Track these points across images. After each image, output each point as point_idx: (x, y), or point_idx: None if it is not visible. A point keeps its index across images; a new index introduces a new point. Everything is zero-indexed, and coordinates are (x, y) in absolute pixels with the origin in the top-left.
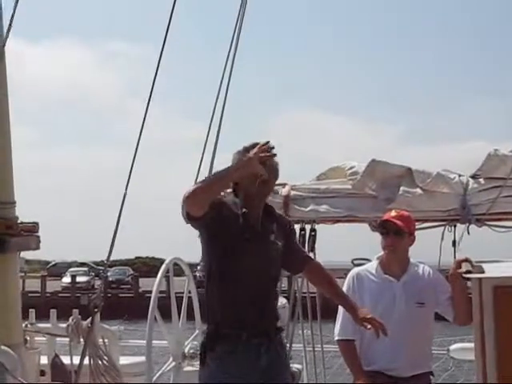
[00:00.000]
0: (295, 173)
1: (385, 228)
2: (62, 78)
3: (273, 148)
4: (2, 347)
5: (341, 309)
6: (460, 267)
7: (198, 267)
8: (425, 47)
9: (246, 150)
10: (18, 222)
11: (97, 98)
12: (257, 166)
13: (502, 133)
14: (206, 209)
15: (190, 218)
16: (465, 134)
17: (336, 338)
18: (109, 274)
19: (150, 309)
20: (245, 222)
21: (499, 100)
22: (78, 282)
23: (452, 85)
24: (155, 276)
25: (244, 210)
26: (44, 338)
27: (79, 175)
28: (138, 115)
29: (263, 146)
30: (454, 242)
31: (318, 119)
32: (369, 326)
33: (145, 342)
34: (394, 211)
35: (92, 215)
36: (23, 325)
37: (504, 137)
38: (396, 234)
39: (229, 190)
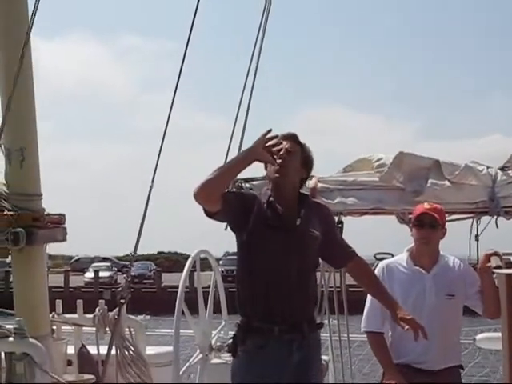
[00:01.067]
0: (317, 167)
1: (420, 220)
2: (75, 72)
3: (276, 136)
4: (30, 340)
5: (368, 300)
6: (489, 261)
7: (221, 262)
8: (437, 46)
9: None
10: (45, 213)
11: (109, 93)
12: (261, 154)
13: None
14: (221, 202)
15: (207, 213)
16: (480, 129)
17: (363, 330)
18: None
19: (178, 300)
20: (272, 210)
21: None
22: (101, 277)
23: (464, 81)
24: (178, 271)
25: (270, 198)
26: (70, 328)
27: (93, 169)
28: (151, 110)
29: (266, 133)
30: (476, 236)
31: (337, 116)
32: (406, 327)
33: (169, 331)
34: (427, 204)
35: (109, 210)
36: (50, 315)
37: None
38: (431, 227)
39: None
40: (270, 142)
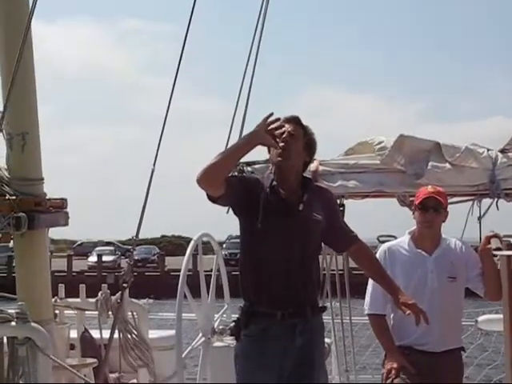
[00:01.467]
0: (318, 150)
1: (425, 204)
2: (75, 56)
3: (278, 119)
4: (33, 324)
5: (371, 283)
6: (489, 243)
7: (224, 245)
8: (437, 30)
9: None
10: (47, 198)
11: (110, 77)
12: (264, 137)
13: None
14: (224, 186)
15: (210, 198)
16: (483, 111)
17: (366, 313)
18: (134, 253)
19: (180, 283)
20: (275, 195)
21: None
22: (104, 262)
23: (466, 63)
24: (181, 254)
25: (274, 183)
26: (73, 312)
27: (94, 153)
28: (153, 93)
29: (267, 117)
30: (479, 218)
31: (338, 98)
32: (407, 312)
33: (172, 314)
34: (430, 187)
35: (112, 194)
36: (53, 300)
37: None
38: (435, 211)
39: (257, 165)
40: (272, 126)
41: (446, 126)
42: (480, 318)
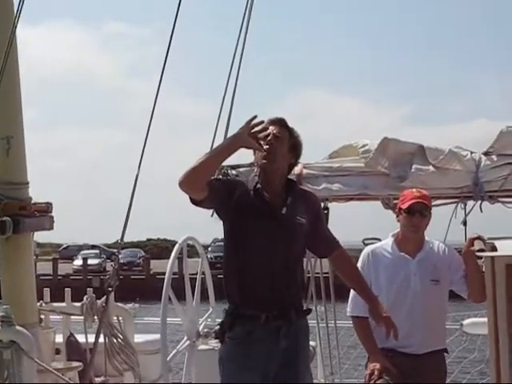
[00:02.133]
0: (303, 153)
1: (412, 208)
2: (61, 59)
3: (262, 122)
4: (17, 327)
5: None
6: (472, 245)
7: (210, 248)
8: (426, 33)
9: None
10: (32, 202)
11: (96, 80)
12: (247, 140)
13: (503, 110)
14: (207, 189)
15: (193, 201)
16: (470, 113)
17: (348, 314)
18: (120, 256)
19: (165, 287)
20: (259, 198)
21: (497, 77)
22: (90, 265)
23: (459, 65)
24: (167, 258)
25: (258, 186)
26: (59, 317)
27: (81, 156)
28: (140, 97)
29: (251, 120)
30: (465, 221)
31: (325, 101)
32: (380, 324)
33: (157, 319)
34: (415, 190)
35: (98, 197)
36: (38, 304)
37: (505, 113)
38: (421, 215)
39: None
40: (256, 128)
41: (432, 128)
42: (465, 322)
